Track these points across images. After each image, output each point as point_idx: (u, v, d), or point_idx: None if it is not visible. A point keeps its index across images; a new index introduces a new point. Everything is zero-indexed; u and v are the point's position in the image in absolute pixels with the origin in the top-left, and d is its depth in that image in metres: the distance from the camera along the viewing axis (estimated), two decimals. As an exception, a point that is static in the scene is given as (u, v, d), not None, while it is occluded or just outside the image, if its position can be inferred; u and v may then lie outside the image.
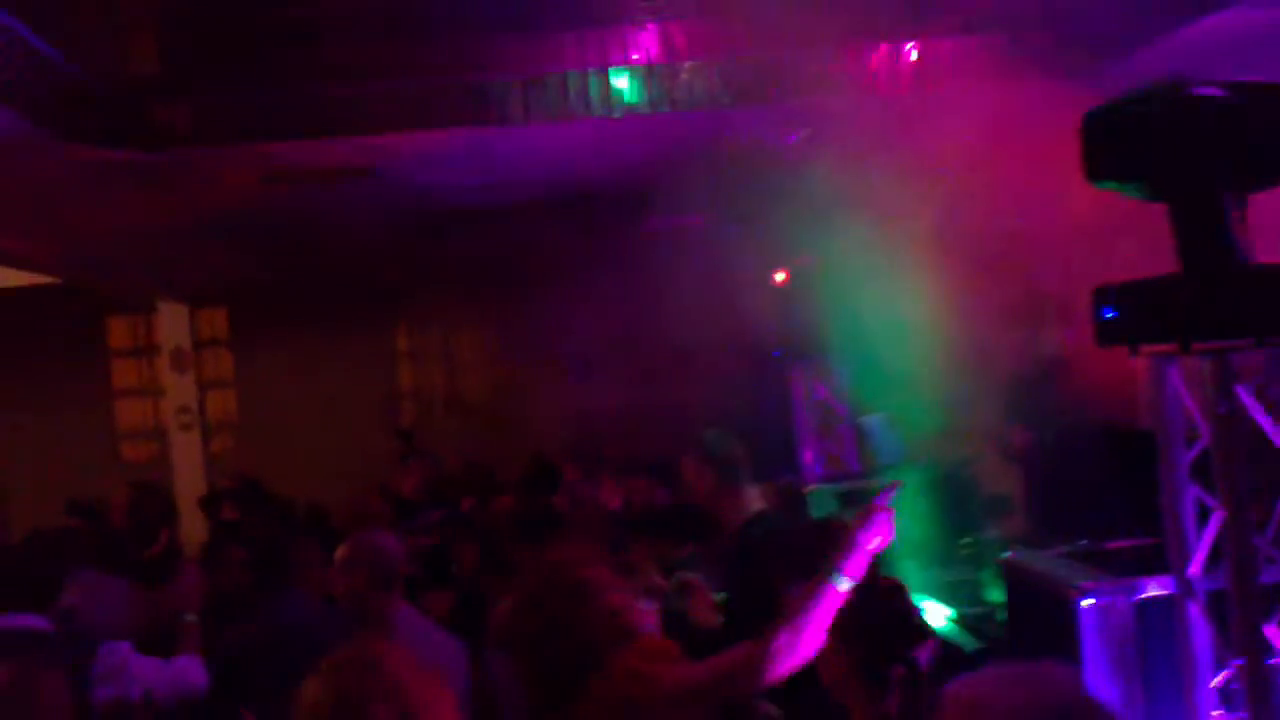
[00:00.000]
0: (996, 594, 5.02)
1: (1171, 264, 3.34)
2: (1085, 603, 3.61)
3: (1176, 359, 3.42)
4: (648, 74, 7.42)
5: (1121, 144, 3.38)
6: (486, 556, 5.74)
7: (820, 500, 6.48)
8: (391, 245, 11.73)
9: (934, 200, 7.85)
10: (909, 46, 7.64)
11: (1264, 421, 3.24)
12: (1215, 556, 3.30)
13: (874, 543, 3.05)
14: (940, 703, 1.95)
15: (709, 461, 4.56)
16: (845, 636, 2.79)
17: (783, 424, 7.81)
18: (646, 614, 3.44)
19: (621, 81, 7.42)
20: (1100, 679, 3.54)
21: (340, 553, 4.10)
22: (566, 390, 14.09)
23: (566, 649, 3.00)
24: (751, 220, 8.50)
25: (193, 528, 11.02)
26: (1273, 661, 3.16)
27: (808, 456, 7.43)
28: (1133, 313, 3.40)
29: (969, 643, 5.00)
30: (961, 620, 5.27)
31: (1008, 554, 4.56)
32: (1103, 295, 3.52)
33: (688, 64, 7.53)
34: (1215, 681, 3.35)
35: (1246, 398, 3.22)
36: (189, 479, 12.97)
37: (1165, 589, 3.53)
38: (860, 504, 6.22)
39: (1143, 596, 3.63)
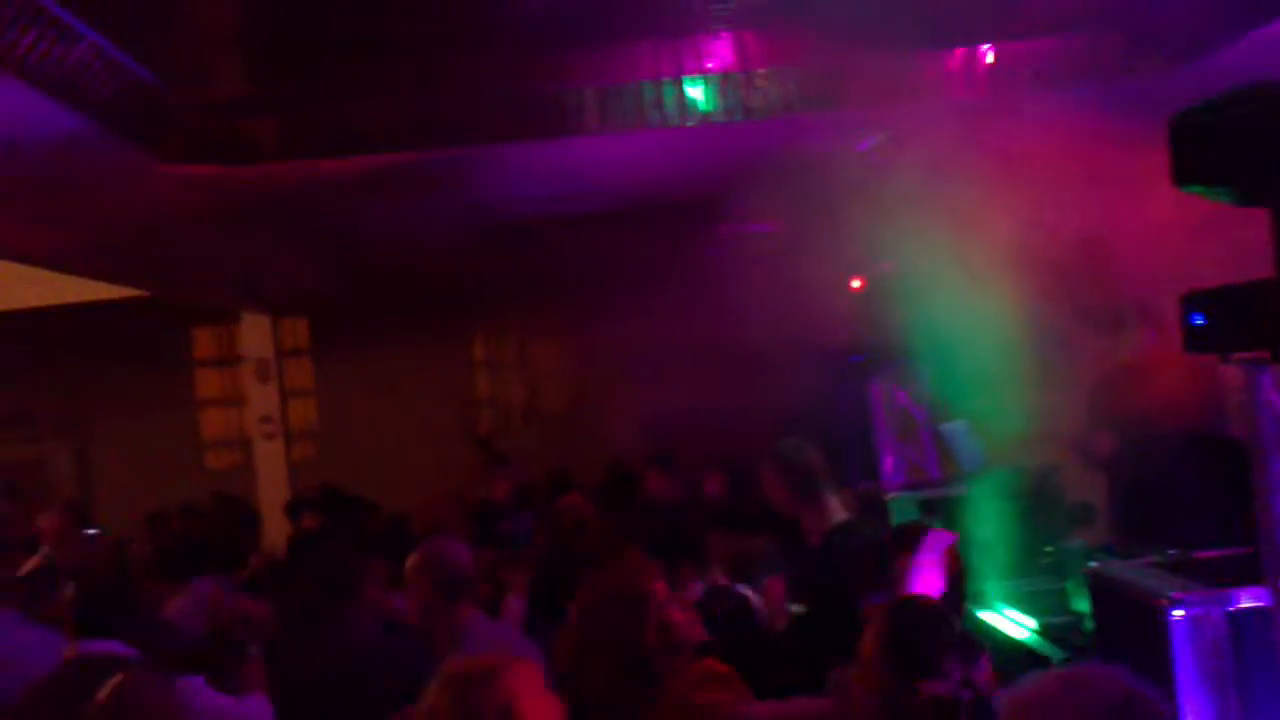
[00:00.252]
0: (1082, 603, 4.94)
1: (1258, 269, 3.29)
2: (1176, 614, 3.54)
3: (1269, 366, 3.36)
4: (722, 82, 7.43)
5: (1212, 147, 3.32)
6: (557, 558, 5.78)
7: (901, 508, 6.42)
8: (467, 255, 11.84)
9: (1012, 204, 7.76)
10: (985, 49, 7.57)
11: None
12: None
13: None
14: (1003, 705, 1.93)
15: (787, 471, 4.51)
16: (896, 660, 2.69)
17: (862, 430, 7.76)
18: (696, 626, 3.43)
19: (696, 90, 7.43)
20: (1193, 691, 3.48)
21: (410, 562, 4.08)
22: (642, 398, 14.13)
23: (619, 661, 3.01)
24: (827, 226, 8.47)
25: (277, 535, 11.21)
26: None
27: (887, 463, 7.38)
28: (1223, 319, 3.34)
29: (1055, 653, 4.93)
30: (1046, 630, 5.19)
31: (1093, 563, 4.50)
32: (1192, 301, 3.46)
33: (762, 71, 7.53)
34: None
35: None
36: (272, 487, 13.19)
37: (1260, 600, 3.46)
38: (941, 512, 6.20)
39: (1236, 608, 3.56)
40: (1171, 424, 6.09)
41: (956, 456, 6.50)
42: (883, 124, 7.95)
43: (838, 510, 4.50)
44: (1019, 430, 6.35)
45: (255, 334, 13.97)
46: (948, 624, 2.78)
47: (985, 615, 5.48)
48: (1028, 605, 5.53)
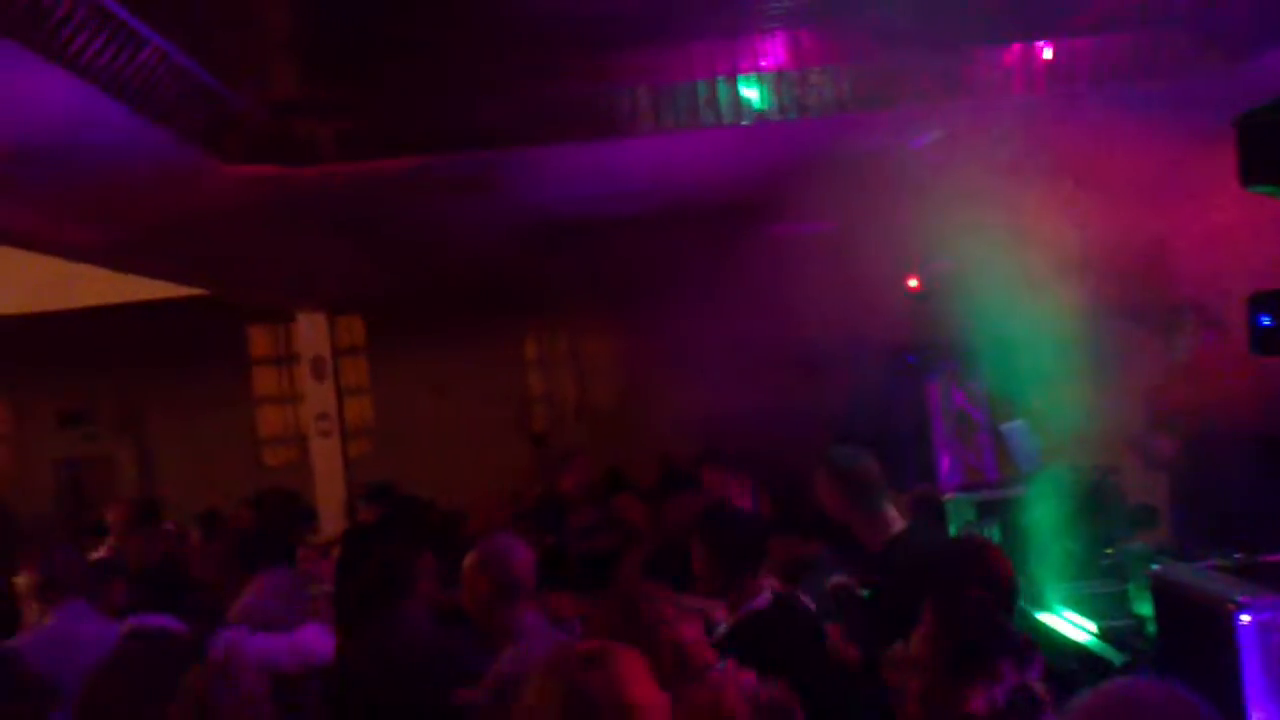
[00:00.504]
0: (1144, 607, 4.89)
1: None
2: (1243, 618, 3.49)
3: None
4: (776, 81, 7.41)
5: (1281, 148, 3.29)
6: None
7: (958, 509, 6.37)
8: (521, 255, 11.90)
9: (1070, 203, 7.70)
10: (1043, 46, 7.50)
11: None
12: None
13: None
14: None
15: (840, 480, 4.44)
16: (947, 664, 2.63)
17: (918, 431, 7.72)
18: (707, 647, 3.39)
19: (750, 89, 7.41)
20: (1260, 698, 3.43)
21: (469, 560, 4.08)
22: (695, 396, 14.13)
23: None
24: (882, 225, 8.43)
25: (332, 531, 11.32)
26: None
27: (944, 464, 7.33)
28: (1292, 321, 3.31)
29: (1115, 657, 4.88)
30: (1106, 634, 5.14)
31: (1156, 566, 4.45)
32: (1259, 302, 3.43)
33: (816, 69, 7.50)
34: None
35: None
36: (328, 484, 13.33)
37: (1329, 605, 3.42)
38: (999, 514, 6.14)
39: (1306, 612, 3.51)
40: (1234, 425, 6.01)
41: (1015, 457, 6.43)
42: (938, 122, 7.91)
43: (895, 519, 4.42)
44: (1078, 431, 6.29)
45: (311, 332, 14.11)
46: (999, 624, 2.73)
47: (1044, 617, 5.43)
48: (1087, 608, 5.47)
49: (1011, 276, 6.95)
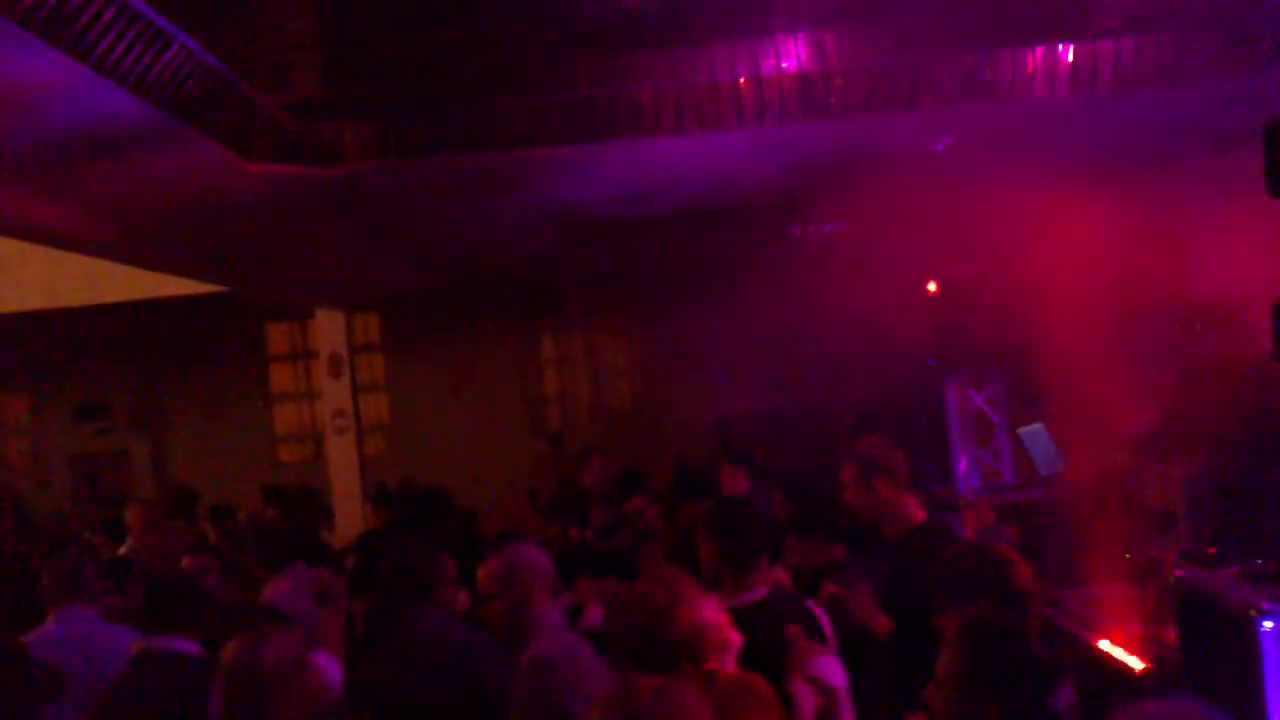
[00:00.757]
0: (1165, 613, 4.90)
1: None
2: (1266, 625, 3.52)
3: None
4: (800, 82, 7.41)
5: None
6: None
7: (976, 512, 6.39)
8: (540, 255, 11.93)
9: (1090, 205, 7.69)
10: (1065, 48, 7.50)
11: None
12: None
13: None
14: None
15: (865, 466, 4.46)
16: (970, 689, 2.58)
17: (935, 433, 7.73)
18: (732, 629, 3.42)
19: (773, 91, 7.42)
20: (1284, 704, 3.45)
21: (488, 568, 4.08)
22: (711, 396, 14.17)
23: (650, 659, 3.01)
24: (902, 227, 8.44)
25: (347, 528, 11.38)
26: None
27: (962, 466, 7.34)
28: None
29: (1135, 663, 4.89)
30: (1126, 640, 5.15)
31: (1178, 572, 4.46)
32: (1285, 310, 3.43)
33: (839, 72, 7.51)
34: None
35: None
36: (344, 480, 13.37)
37: (1353, 611, 3.43)
38: (1017, 516, 6.15)
39: (1329, 619, 3.52)
40: (1254, 429, 6.01)
41: (1034, 460, 6.44)
42: (957, 125, 7.91)
43: (918, 510, 4.44)
44: (1097, 434, 6.30)
45: (328, 329, 14.16)
46: (1025, 645, 2.70)
47: (1064, 622, 5.45)
48: (1106, 613, 5.48)
49: (1029, 279, 6.97)
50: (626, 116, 7.50)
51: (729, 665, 3.20)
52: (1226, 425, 6.31)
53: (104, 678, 4.26)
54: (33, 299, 12.67)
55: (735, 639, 3.25)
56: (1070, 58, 7.48)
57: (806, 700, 3.14)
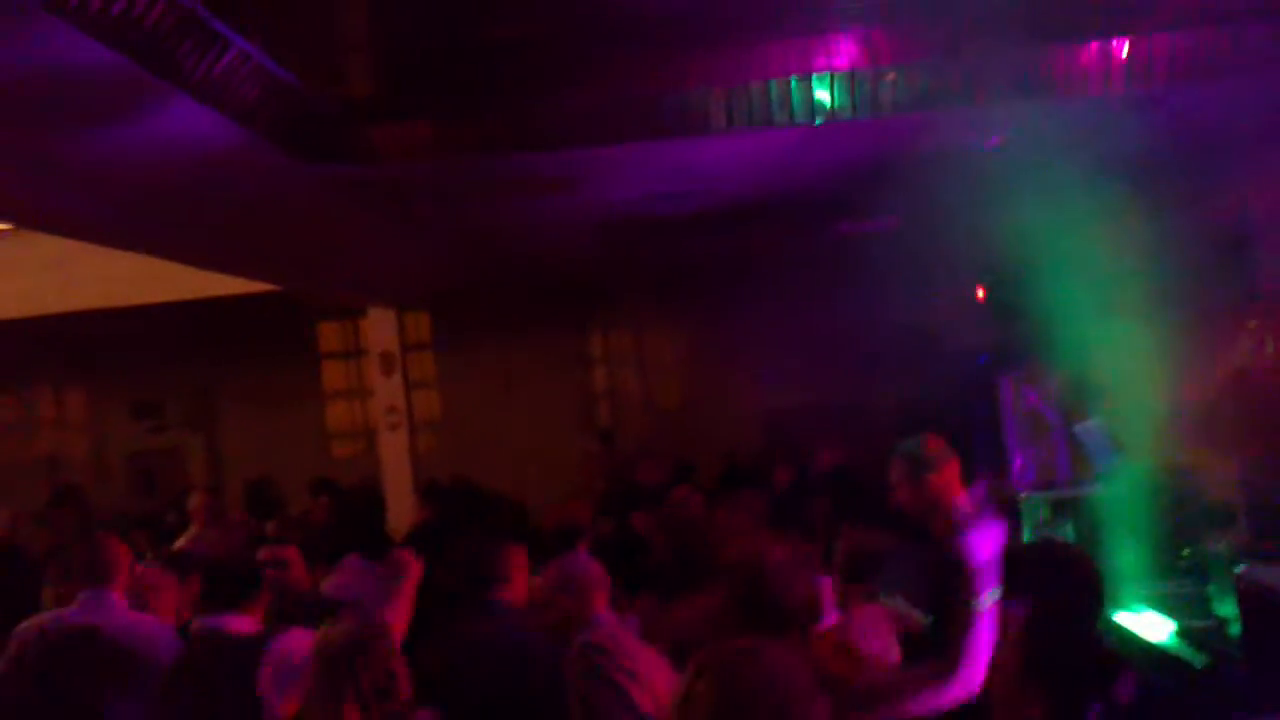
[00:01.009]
0: (1226, 608, 4.87)
1: None
2: (1333, 622, 3.49)
3: None
4: (850, 80, 7.39)
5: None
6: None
7: (1032, 509, 6.37)
8: (588, 252, 11.98)
9: (1146, 199, 7.64)
10: (1120, 42, 7.43)
11: None
12: None
13: (989, 554, 2.98)
14: None
15: (913, 465, 4.47)
16: (1031, 676, 2.60)
17: (990, 430, 7.69)
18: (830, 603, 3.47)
19: (823, 88, 7.41)
20: (1352, 702, 3.43)
21: (545, 575, 4.17)
22: (759, 392, 14.17)
23: (761, 621, 3.03)
24: (954, 223, 8.39)
25: (399, 523, 11.47)
26: None
27: (1016, 463, 7.30)
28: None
29: (1196, 658, 4.86)
30: (1187, 634, 5.12)
31: (1242, 568, 4.43)
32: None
33: (890, 68, 7.48)
34: None
35: None
36: (397, 477, 13.49)
37: None
38: (1074, 513, 6.13)
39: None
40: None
41: (1091, 456, 6.41)
42: (1010, 121, 7.86)
43: (967, 506, 4.44)
44: (1155, 430, 6.26)
45: (380, 327, 14.28)
46: (1087, 638, 2.70)
47: (1122, 618, 5.42)
48: (1166, 608, 5.46)
49: (1085, 275, 6.93)
50: (675, 115, 7.51)
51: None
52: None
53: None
54: (86, 298, 12.88)
55: (833, 613, 3.33)
56: (1125, 52, 7.41)
57: None
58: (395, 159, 7.47)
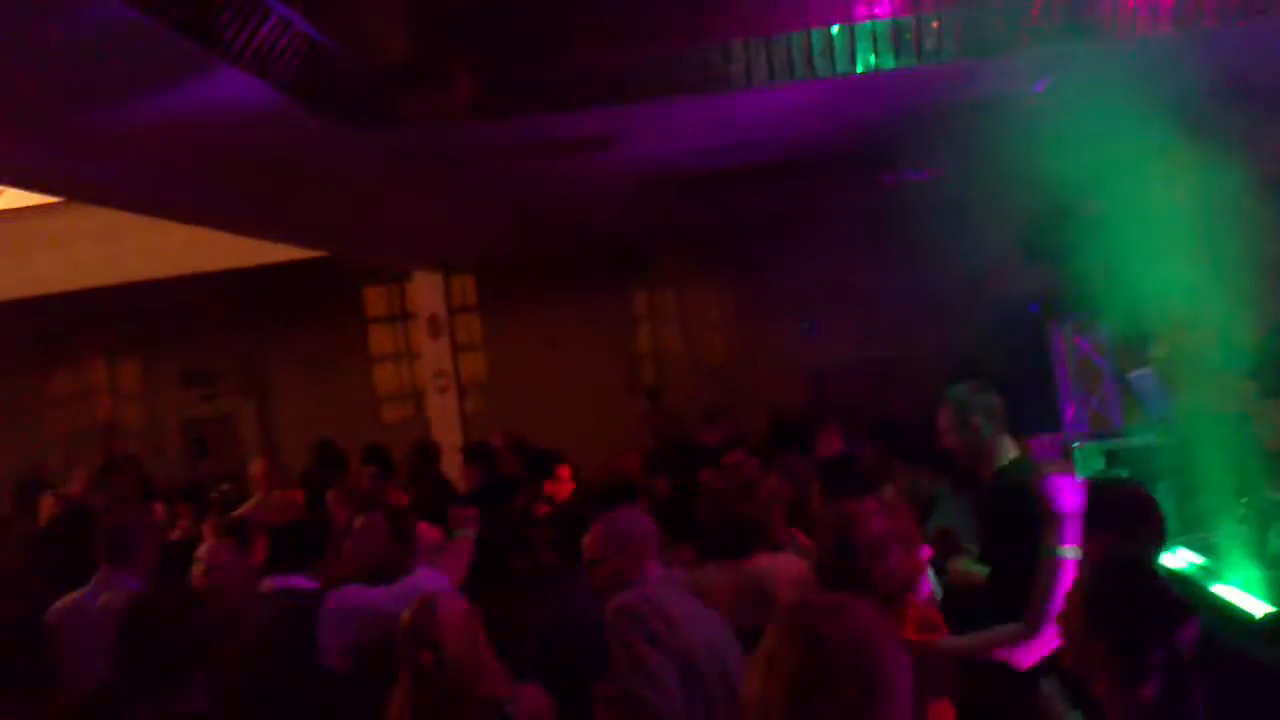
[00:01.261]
0: (1286, 557, 4.82)
1: None
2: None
3: None
4: (893, 28, 7.28)
5: None
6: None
7: (1086, 458, 6.31)
8: (630, 211, 11.95)
9: (1198, 143, 7.49)
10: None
11: None
12: None
13: (1072, 506, 2.96)
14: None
15: (961, 409, 4.49)
16: (1095, 618, 2.58)
17: (1042, 380, 7.62)
18: (925, 575, 3.46)
19: (866, 37, 7.31)
20: None
21: (593, 532, 4.07)
22: (805, 347, 14.12)
23: (849, 584, 3.03)
24: (1000, 172, 8.28)
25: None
26: None
27: (1069, 413, 7.23)
28: None
29: (1255, 608, 4.81)
30: (1244, 584, 5.07)
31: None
32: None
33: (933, 15, 7.37)
34: None
35: None
36: (446, 439, 13.58)
37: None
38: (1129, 462, 6.07)
39: None
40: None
41: (1144, 405, 6.34)
42: (1057, 65, 7.73)
43: (1011, 449, 4.45)
44: (1210, 377, 6.17)
45: (426, 291, 14.35)
46: (1152, 582, 2.69)
47: (1177, 567, 5.38)
48: (1222, 557, 5.40)
49: (1140, 221, 6.82)
50: (716, 69, 7.44)
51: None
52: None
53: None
54: (137, 268, 13.03)
55: (927, 586, 3.32)
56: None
57: None
58: (434, 123, 7.46)
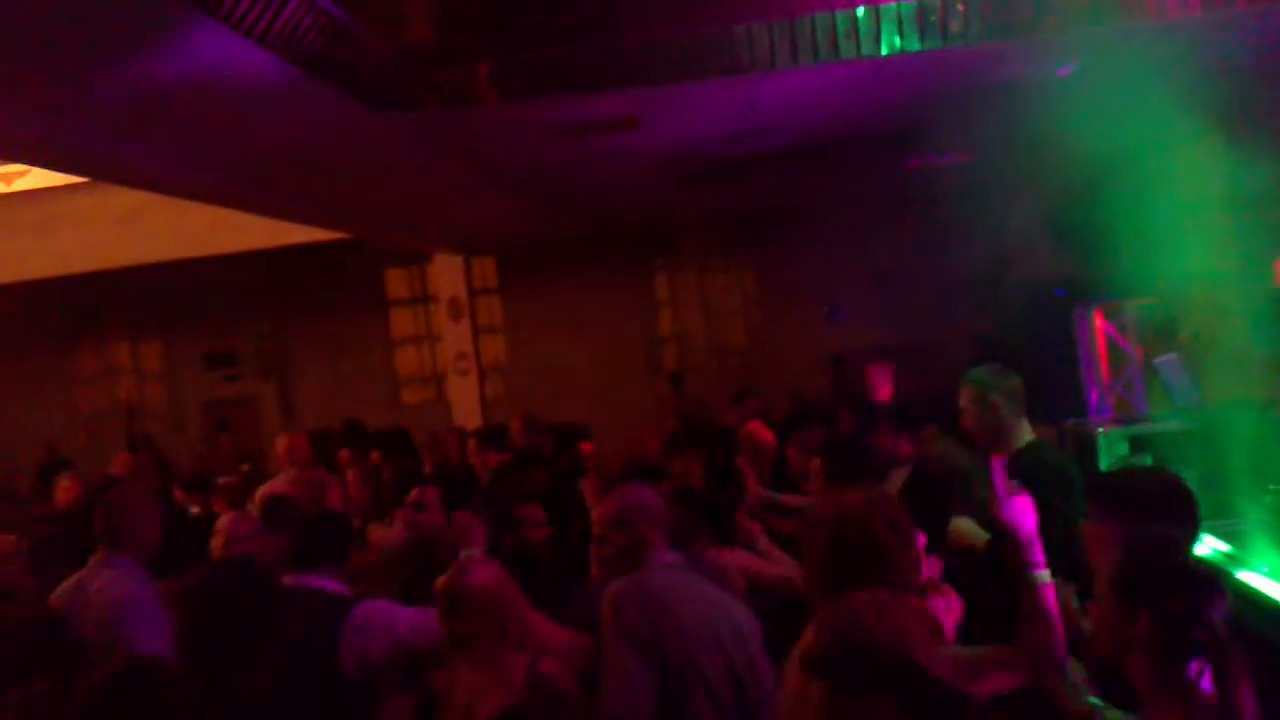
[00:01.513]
0: (1313, 544, 4.78)
1: None
2: None
3: None
4: (918, 10, 7.23)
5: None
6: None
7: (1110, 443, 6.27)
8: (652, 194, 11.92)
9: (1227, 126, 7.43)
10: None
11: None
12: None
13: (1026, 527, 2.95)
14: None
15: (980, 392, 4.50)
16: (1129, 599, 2.53)
17: (1066, 365, 7.57)
18: (932, 565, 3.41)
19: (891, 19, 7.25)
20: None
21: (601, 508, 3.96)
22: (825, 331, 14.08)
23: (874, 579, 3.01)
24: (1025, 155, 8.23)
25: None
26: None
27: (1092, 398, 7.18)
28: None
29: (1280, 595, 4.78)
30: (1271, 572, 5.03)
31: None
32: None
33: (960, -2, 7.31)
34: None
35: None
36: (467, 422, 13.61)
37: None
38: (1153, 448, 6.02)
39: None
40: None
41: (1170, 391, 6.29)
42: (1086, 48, 7.66)
43: (1028, 432, 4.45)
44: (1237, 362, 6.12)
45: (447, 274, 14.36)
46: (1183, 557, 2.68)
47: (1204, 555, 5.34)
48: (1249, 545, 5.36)
49: (1164, 206, 6.76)
50: (740, 51, 7.40)
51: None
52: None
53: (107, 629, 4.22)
54: (160, 249, 13.10)
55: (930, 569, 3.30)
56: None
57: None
58: (456, 103, 7.44)
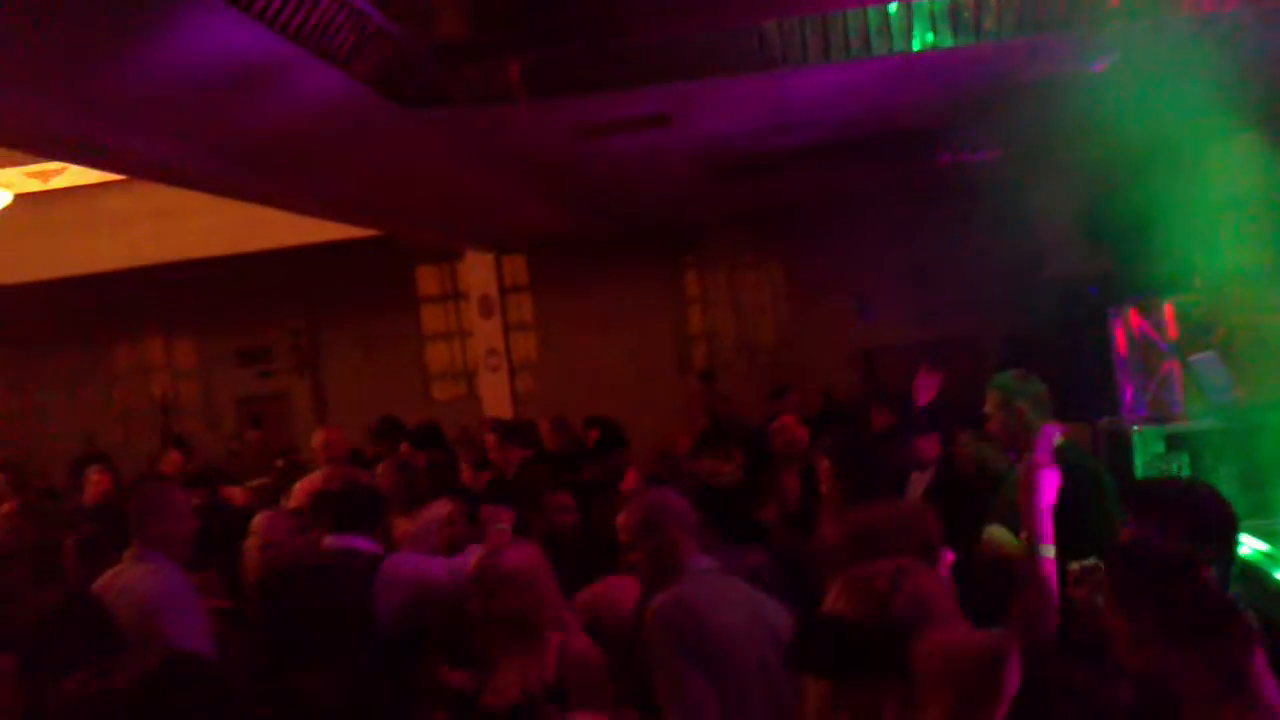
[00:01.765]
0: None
1: None
2: None
3: None
4: (951, 5, 7.18)
5: None
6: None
7: (1145, 442, 6.21)
8: (683, 191, 11.90)
9: (1263, 123, 7.36)
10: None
11: None
12: None
13: (1046, 500, 2.92)
14: None
15: (1006, 396, 4.49)
16: (1132, 618, 2.53)
17: (1100, 363, 7.52)
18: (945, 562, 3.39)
19: (924, 13, 7.21)
20: None
21: (626, 514, 3.88)
22: (856, 329, 14.04)
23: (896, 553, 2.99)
24: (1059, 151, 8.17)
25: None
26: None
27: (1127, 396, 7.12)
28: None
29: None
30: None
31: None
32: None
33: (993, -9, 7.24)
34: None
35: None
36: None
37: None
38: (1189, 447, 5.96)
39: None
40: None
41: (1206, 389, 6.23)
42: (1120, 43, 7.60)
43: (1054, 436, 4.41)
44: (1274, 360, 6.06)
45: (477, 271, 14.38)
46: (1187, 579, 2.59)
47: (1241, 553, 5.28)
48: (1285, 545, 5.30)
49: (1199, 202, 6.71)
50: (771, 47, 7.37)
51: None
52: None
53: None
54: (195, 246, 13.19)
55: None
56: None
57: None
58: (487, 100, 7.45)
